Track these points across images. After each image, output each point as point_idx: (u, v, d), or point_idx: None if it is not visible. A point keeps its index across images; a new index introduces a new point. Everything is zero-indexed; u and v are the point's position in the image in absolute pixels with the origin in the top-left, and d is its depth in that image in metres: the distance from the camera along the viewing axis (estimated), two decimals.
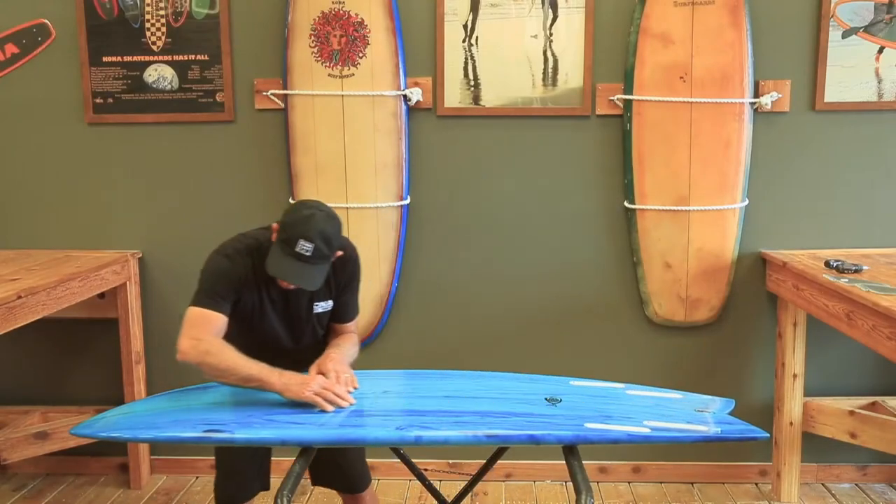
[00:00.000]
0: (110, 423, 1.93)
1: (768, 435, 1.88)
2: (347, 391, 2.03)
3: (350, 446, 2.32)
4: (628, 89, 3.04)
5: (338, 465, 2.37)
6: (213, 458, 2.34)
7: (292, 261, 2.02)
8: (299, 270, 2.03)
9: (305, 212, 2.06)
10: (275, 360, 2.12)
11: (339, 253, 2.13)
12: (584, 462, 1.89)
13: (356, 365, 2.22)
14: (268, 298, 2.17)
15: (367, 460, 3.35)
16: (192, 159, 3.20)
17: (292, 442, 1.86)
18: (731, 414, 2.01)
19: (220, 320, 2.09)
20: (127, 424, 1.91)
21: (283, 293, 2.17)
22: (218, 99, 3.14)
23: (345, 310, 2.30)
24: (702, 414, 1.99)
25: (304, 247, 2.01)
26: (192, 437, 1.86)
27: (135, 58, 3.13)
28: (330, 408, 1.96)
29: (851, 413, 2.95)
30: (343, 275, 2.24)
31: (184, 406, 2.01)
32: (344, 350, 2.21)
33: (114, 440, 1.93)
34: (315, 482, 2.43)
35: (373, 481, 2.48)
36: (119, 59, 3.13)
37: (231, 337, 2.11)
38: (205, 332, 2.06)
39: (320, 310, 2.24)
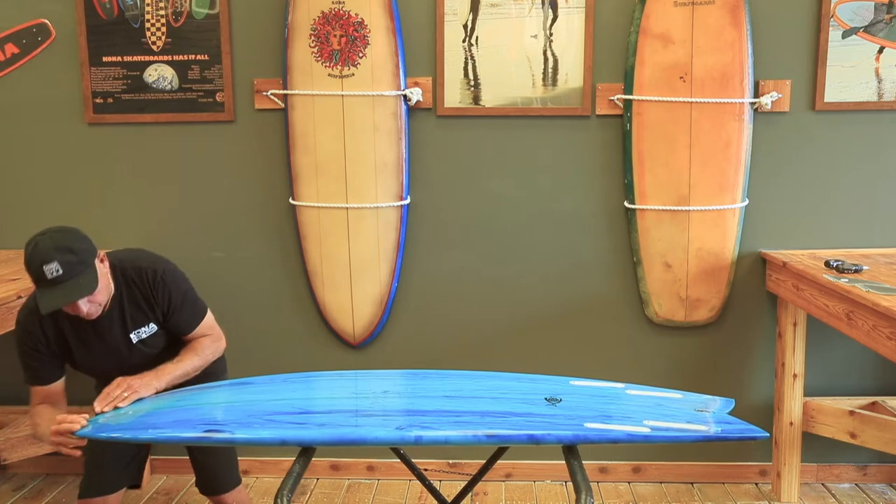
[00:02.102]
0: (110, 424, 1.93)
1: (768, 435, 1.88)
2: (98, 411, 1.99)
3: (220, 449, 2.37)
4: (628, 89, 3.04)
5: (202, 466, 2.40)
6: None
7: (53, 288, 1.99)
8: (65, 291, 1.99)
9: (29, 247, 2.03)
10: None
11: (102, 253, 2.11)
12: (584, 462, 1.89)
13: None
14: (77, 341, 2.17)
15: (368, 460, 3.36)
16: (192, 159, 3.20)
17: (292, 442, 1.86)
18: (731, 414, 2.01)
19: (44, 392, 2.19)
20: (127, 424, 1.91)
21: (91, 332, 2.16)
22: (218, 99, 3.14)
23: (181, 327, 2.27)
24: (702, 414, 1.99)
25: (51, 268, 1.97)
26: (192, 437, 1.86)
27: (135, 58, 3.13)
28: (64, 450, 1.94)
29: (851, 413, 2.95)
30: (158, 299, 2.20)
31: (184, 406, 2.01)
32: (163, 369, 2.15)
33: (114, 440, 1.92)
34: (196, 485, 2.48)
35: (242, 485, 2.48)
36: (119, 59, 3.13)
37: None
38: (33, 405, 2.20)
39: (144, 335, 2.22)
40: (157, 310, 2.21)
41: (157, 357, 2.24)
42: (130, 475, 2.37)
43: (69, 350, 2.18)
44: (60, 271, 1.97)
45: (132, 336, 2.20)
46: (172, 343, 2.29)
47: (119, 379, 2.07)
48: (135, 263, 2.22)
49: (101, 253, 2.12)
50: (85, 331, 2.16)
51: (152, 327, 2.22)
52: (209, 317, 2.33)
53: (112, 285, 2.15)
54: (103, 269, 2.10)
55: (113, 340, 2.19)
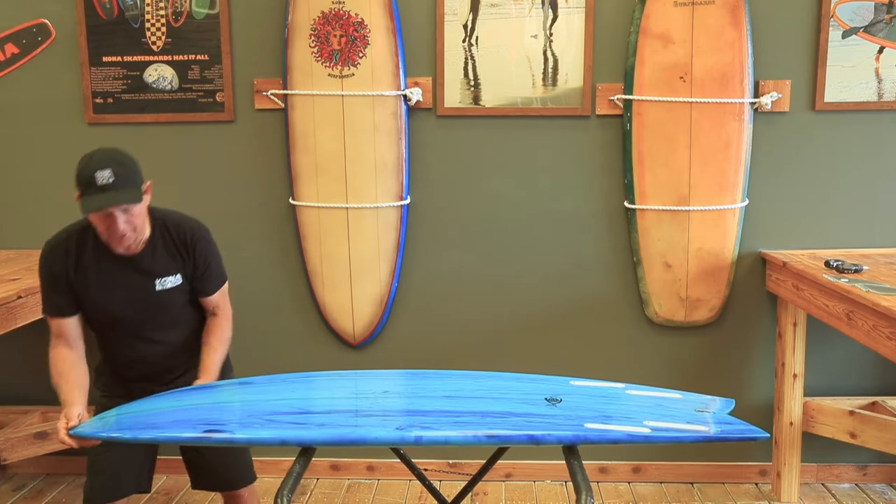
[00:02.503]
0: (110, 423, 1.93)
1: (768, 435, 1.88)
2: None
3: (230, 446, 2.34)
4: (628, 89, 3.04)
5: (211, 466, 2.38)
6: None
7: (100, 193, 2.02)
8: (112, 196, 2.03)
9: (84, 160, 2.07)
10: (140, 347, 2.23)
11: (149, 184, 2.15)
12: (584, 462, 1.89)
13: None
14: (98, 276, 2.19)
15: (368, 460, 3.36)
16: (192, 159, 3.20)
17: (292, 442, 1.86)
18: (731, 414, 2.01)
19: (65, 324, 2.19)
20: (127, 424, 1.91)
21: (117, 268, 2.17)
22: (218, 99, 3.14)
23: (207, 287, 2.31)
24: (702, 414, 1.99)
25: (104, 175, 2.02)
26: (192, 437, 1.85)
27: (135, 58, 3.13)
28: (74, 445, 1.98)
29: (851, 413, 2.95)
30: (194, 256, 2.26)
31: (184, 406, 2.01)
32: (212, 362, 2.23)
33: (114, 440, 1.92)
34: (195, 486, 2.45)
35: (255, 482, 2.46)
36: (119, 59, 3.13)
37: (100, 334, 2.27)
38: (56, 340, 2.20)
39: (169, 286, 2.24)
40: (188, 265, 2.25)
41: (171, 313, 2.27)
42: (138, 480, 2.32)
43: (86, 288, 2.18)
44: (112, 179, 2.02)
45: (157, 283, 2.22)
46: (190, 303, 2.32)
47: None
48: (175, 219, 2.29)
49: (149, 184, 2.16)
50: (110, 265, 2.18)
51: (178, 279, 2.25)
52: (227, 284, 2.40)
53: (149, 225, 2.20)
54: (146, 200, 2.15)
55: (136, 281, 2.21)
